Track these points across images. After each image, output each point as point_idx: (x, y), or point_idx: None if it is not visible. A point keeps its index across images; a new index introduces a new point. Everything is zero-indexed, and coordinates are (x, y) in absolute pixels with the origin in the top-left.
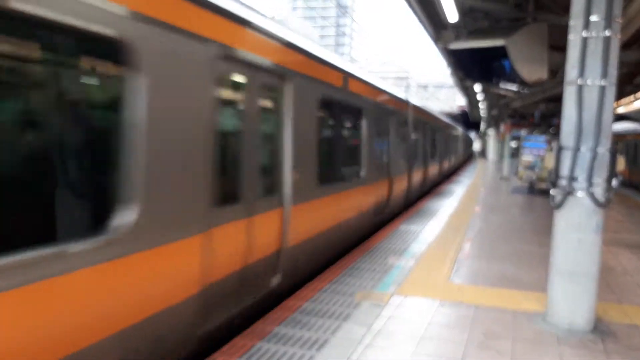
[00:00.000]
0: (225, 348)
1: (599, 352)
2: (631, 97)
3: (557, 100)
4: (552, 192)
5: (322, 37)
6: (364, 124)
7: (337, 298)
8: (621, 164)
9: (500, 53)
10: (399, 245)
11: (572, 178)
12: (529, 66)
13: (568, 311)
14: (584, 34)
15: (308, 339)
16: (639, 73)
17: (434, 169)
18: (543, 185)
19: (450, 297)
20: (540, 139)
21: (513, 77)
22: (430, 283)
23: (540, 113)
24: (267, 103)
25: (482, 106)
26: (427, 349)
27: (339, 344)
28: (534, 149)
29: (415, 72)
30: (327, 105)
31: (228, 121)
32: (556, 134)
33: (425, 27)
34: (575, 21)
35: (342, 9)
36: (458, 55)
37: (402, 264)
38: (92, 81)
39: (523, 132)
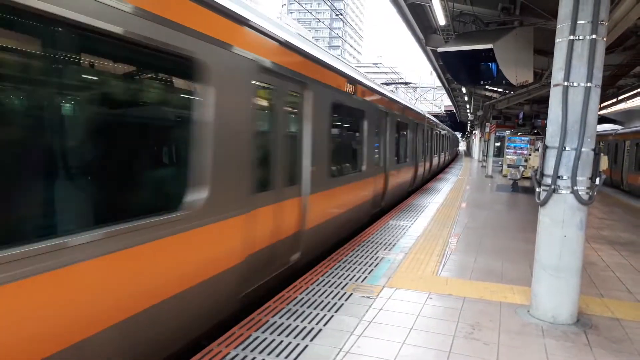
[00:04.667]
0: (222, 338)
1: (581, 344)
2: (613, 100)
3: (540, 101)
4: (537, 189)
5: (315, 39)
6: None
7: (331, 290)
8: (605, 163)
9: (487, 56)
10: (389, 239)
11: (557, 176)
12: (516, 69)
13: (552, 304)
14: (571, 37)
15: (303, 329)
16: (621, 76)
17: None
18: (527, 183)
19: (439, 289)
20: (524, 140)
21: (500, 79)
22: (419, 276)
23: (524, 114)
24: None
25: (468, 107)
26: (417, 340)
27: (332, 335)
28: (518, 149)
29: (405, 73)
30: None
31: None
32: (539, 134)
33: (414, 32)
34: (562, 24)
35: (336, 11)
36: (446, 58)
37: (392, 257)
38: None
39: (507, 133)
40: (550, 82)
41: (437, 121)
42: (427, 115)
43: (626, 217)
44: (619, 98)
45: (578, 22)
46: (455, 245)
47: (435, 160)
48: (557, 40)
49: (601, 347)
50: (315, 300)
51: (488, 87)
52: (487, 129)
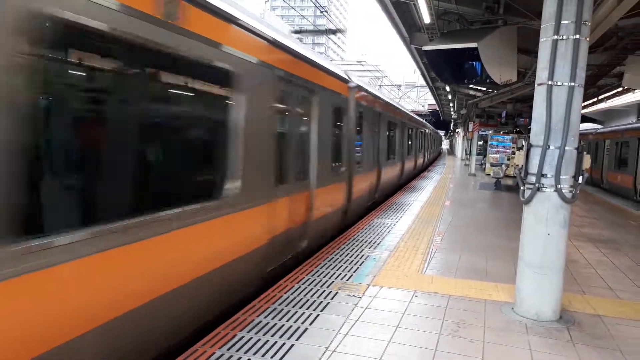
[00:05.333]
0: (207, 338)
1: (565, 340)
2: (594, 99)
3: (523, 100)
4: (522, 188)
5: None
6: None
7: (316, 289)
8: (587, 161)
9: (471, 55)
10: (374, 237)
11: (541, 175)
12: (500, 68)
13: (536, 302)
14: (555, 36)
15: (288, 329)
16: (602, 75)
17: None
18: (509, 182)
19: (424, 287)
20: (507, 138)
21: (484, 78)
22: (404, 274)
23: (507, 113)
24: None
25: (451, 106)
26: (403, 338)
27: (318, 334)
28: (501, 147)
29: (389, 71)
30: None
31: None
32: (521, 132)
33: (398, 30)
34: (546, 24)
35: (320, 8)
36: (431, 57)
37: (377, 255)
38: None
39: (490, 132)
40: (533, 81)
41: (407, 111)
42: (385, 99)
43: (606, 215)
44: (600, 97)
45: (562, 22)
46: (439, 243)
47: (394, 172)
48: (541, 40)
49: (584, 343)
50: (301, 299)
51: (472, 85)
52: (470, 128)
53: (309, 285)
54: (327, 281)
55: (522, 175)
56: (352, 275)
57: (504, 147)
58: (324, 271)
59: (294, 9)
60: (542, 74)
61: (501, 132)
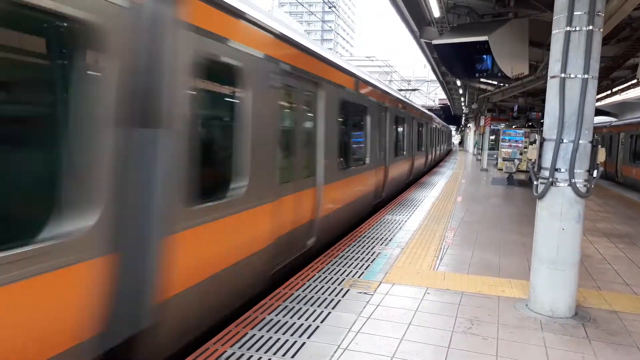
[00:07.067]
0: (218, 336)
1: (580, 337)
2: (607, 92)
3: (535, 94)
4: (535, 182)
5: (307, 32)
6: None
7: (327, 286)
8: (602, 155)
9: (482, 48)
10: (385, 234)
11: (554, 169)
12: (511, 61)
13: (550, 298)
14: (568, 28)
15: (300, 326)
16: (615, 68)
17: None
18: (522, 177)
19: (436, 284)
20: (519, 132)
21: (495, 72)
22: (416, 271)
23: (518, 107)
24: None
25: (462, 100)
26: (415, 336)
27: (329, 331)
28: (513, 142)
29: (399, 66)
30: None
31: None
32: (533, 126)
33: (408, 24)
34: (559, 16)
35: (328, 3)
36: (441, 51)
37: (388, 252)
38: None
39: (502, 126)
40: (545, 75)
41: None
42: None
43: (621, 209)
44: (613, 90)
45: (575, 13)
46: (452, 239)
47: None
48: (553, 32)
49: (600, 339)
50: (312, 297)
51: (483, 79)
52: (482, 122)
53: (320, 282)
54: (338, 278)
55: (535, 169)
56: (363, 272)
57: (516, 141)
58: (334, 268)
59: (302, 5)
60: (554, 66)
61: (513, 127)
